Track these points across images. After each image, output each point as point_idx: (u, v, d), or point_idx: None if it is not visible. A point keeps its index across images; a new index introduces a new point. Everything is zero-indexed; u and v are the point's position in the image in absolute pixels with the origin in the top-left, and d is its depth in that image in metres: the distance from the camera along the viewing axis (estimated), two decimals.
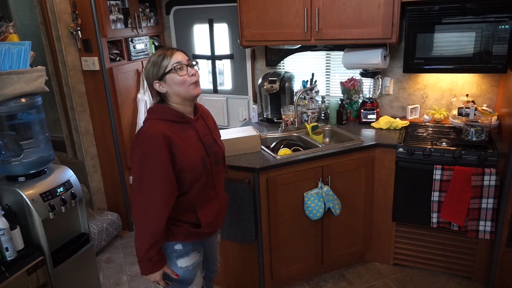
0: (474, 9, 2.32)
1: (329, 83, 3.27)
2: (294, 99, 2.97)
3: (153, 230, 1.55)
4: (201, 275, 1.86)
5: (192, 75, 1.58)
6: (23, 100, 2.04)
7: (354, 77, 3.05)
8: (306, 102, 3.07)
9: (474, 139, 2.48)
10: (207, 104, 3.60)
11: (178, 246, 1.70)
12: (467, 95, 2.79)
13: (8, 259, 1.94)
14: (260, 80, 3.11)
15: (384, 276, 2.75)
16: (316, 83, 3.12)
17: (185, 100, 1.62)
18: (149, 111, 1.63)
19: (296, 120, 2.94)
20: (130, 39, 3.23)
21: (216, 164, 1.72)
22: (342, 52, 2.95)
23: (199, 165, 1.61)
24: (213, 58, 3.56)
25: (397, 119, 2.90)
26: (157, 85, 1.58)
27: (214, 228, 1.80)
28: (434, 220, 2.48)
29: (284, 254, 2.54)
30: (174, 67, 1.55)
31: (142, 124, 1.62)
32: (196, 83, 1.60)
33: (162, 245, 1.65)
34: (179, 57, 1.57)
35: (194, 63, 1.63)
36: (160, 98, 1.64)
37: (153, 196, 1.53)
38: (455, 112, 2.75)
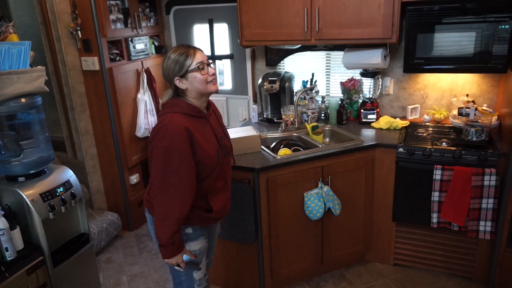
0: (474, 9, 2.32)
1: (329, 83, 3.27)
2: (294, 99, 2.97)
3: (179, 217, 1.65)
4: (205, 262, 1.93)
5: (212, 74, 1.70)
6: (23, 100, 2.03)
7: (354, 77, 3.04)
8: (306, 102, 3.06)
9: (474, 139, 2.48)
10: None
11: (189, 230, 1.81)
12: (467, 95, 2.79)
13: (8, 259, 1.93)
14: (260, 80, 3.11)
15: (384, 276, 2.74)
16: (316, 83, 3.11)
17: (202, 96, 1.73)
18: (167, 105, 1.71)
19: (296, 120, 2.93)
20: (130, 39, 3.23)
21: (225, 156, 1.84)
22: (342, 52, 2.94)
23: (214, 157, 1.72)
24: (213, 58, 3.55)
25: (397, 119, 2.90)
26: (177, 82, 1.67)
27: (223, 214, 1.90)
28: (434, 220, 2.47)
29: (284, 254, 2.54)
30: (198, 66, 1.65)
31: (156, 119, 1.70)
32: (214, 80, 1.73)
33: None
34: (200, 56, 1.67)
35: (210, 61, 1.74)
36: (175, 93, 1.72)
37: (180, 186, 1.62)
38: (455, 112, 2.74)
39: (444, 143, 2.47)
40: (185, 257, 1.79)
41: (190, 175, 1.64)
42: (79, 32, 2.94)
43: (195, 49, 1.68)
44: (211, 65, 1.72)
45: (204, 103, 1.77)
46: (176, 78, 1.66)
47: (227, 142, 1.87)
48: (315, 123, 2.84)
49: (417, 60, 2.54)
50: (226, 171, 1.86)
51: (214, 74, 1.72)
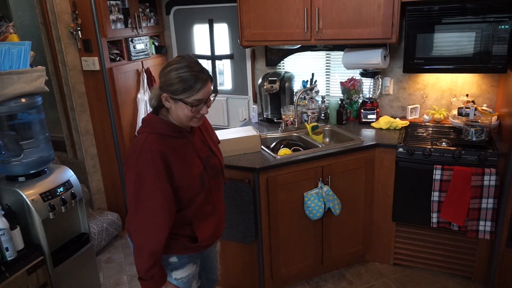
0: (474, 9, 2.32)
1: (329, 83, 3.27)
2: (294, 99, 2.97)
3: (154, 249, 1.50)
4: (197, 285, 1.82)
5: (203, 113, 1.53)
6: (23, 100, 2.04)
7: (354, 77, 3.05)
8: (306, 102, 3.07)
9: (474, 139, 2.48)
10: None
11: (173, 259, 1.66)
12: (467, 95, 2.79)
13: (8, 259, 1.94)
14: (260, 80, 3.11)
15: (384, 276, 2.75)
16: (316, 83, 3.12)
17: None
18: (145, 123, 1.56)
19: (296, 120, 2.94)
20: (130, 39, 3.23)
21: (214, 177, 1.66)
22: (342, 52, 2.95)
23: (197, 182, 1.57)
24: (213, 58, 3.56)
25: (397, 119, 2.90)
26: (163, 98, 1.49)
27: (213, 240, 1.75)
28: (434, 220, 2.48)
29: (284, 254, 2.54)
30: (193, 104, 1.47)
31: (137, 137, 1.55)
32: (201, 118, 1.56)
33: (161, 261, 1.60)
34: (204, 92, 1.47)
35: (212, 96, 1.54)
36: (159, 104, 1.55)
37: (153, 215, 1.48)
38: (455, 112, 2.75)
39: (444, 143, 2.48)
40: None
41: (165, 202, 1.47)
42: (79, 32, 2.94)
43: (207, 80, 1.47)
44: (211, 98, 1.53)
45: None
46: (166, 94, 1.47)
47: (216, 160, 1.67)
48: (315, 123, 2.84)
49: (417, 60, 2.54)
50: (215, 193, 1.67)
51: (206, 112, 1.53)
